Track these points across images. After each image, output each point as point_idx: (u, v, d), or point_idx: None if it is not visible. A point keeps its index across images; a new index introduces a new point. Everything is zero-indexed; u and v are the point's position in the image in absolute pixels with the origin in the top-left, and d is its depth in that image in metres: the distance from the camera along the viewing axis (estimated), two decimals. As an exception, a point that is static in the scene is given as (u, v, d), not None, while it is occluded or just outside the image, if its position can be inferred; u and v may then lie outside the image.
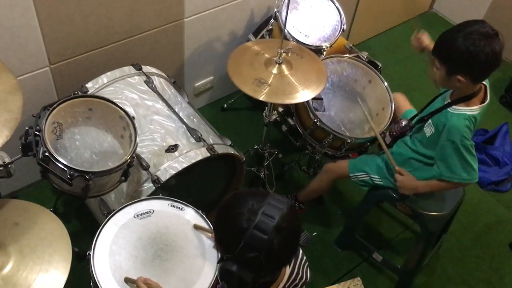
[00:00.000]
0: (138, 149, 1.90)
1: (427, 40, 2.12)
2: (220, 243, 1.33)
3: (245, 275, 1.24)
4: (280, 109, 2.61)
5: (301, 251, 1.54)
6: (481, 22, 1.83)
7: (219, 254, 1.35)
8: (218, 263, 1.35)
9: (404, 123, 2.19)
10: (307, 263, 1.56)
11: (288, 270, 1.47)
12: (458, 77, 1.85)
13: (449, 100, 2.00)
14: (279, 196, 1.28)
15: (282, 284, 1.44)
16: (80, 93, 2.04)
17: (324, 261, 2.60)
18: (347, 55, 2.48)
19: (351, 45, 2.65)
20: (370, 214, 2.74)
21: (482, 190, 3.03)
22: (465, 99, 1.93)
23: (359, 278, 2.56)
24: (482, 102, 1.95)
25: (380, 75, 2.41)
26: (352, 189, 2.88)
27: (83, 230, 2.43)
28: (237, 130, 3.01)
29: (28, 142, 1.72)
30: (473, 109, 1.93)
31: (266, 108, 2.32)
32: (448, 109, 1.97)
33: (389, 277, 2.58)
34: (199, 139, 2.12)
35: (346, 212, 2.80)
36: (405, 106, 2.47)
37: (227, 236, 1.28)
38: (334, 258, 2.61)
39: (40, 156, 1.67)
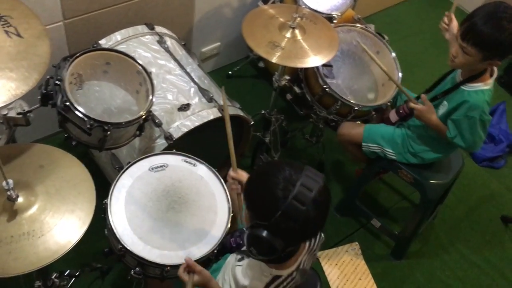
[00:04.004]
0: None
1: (456, 23, 2.09)
2: (253, 209, 1.30)
3: (276, 243, 1.25)
4: (287, 77, 2.64)
5: None
6: (501, 4, 1.82)
7: (249, 220, 1.32)
8: (247, 229, 1.33)
9: None
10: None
11: (307, 243, 1.48)
12: (497, 61, 1.89)
13: (461, 79, 2.04)
14: (314, 170, 1.27)
15: (301, 256, 1.46)
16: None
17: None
18: (358, 25, 2.51)
19: (359, 16, 2.68)
20: (369, 184, 2.82)
21: (478, 165, 3.12)
22: (479, 75, 1.98)
23: (357, 243, 2.66)
24: (491, 75, 2.01)
25: (388, 46, 2.45)
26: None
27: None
28: (242, 97, 3.00)
29: (48, 91, 1.75)
30: (488, 83, 1.99)
31: (276, 73, 2.36)
32: (463, 87, 2.01)
33: (386, 243, 2.67)
34: (210, 99, 2.16)
35: (347, 179, 2.87)
36: None
37: (263, 203, 1.26)
38: (333, 223, 2.69)
39: (60, 105, 1.70)
